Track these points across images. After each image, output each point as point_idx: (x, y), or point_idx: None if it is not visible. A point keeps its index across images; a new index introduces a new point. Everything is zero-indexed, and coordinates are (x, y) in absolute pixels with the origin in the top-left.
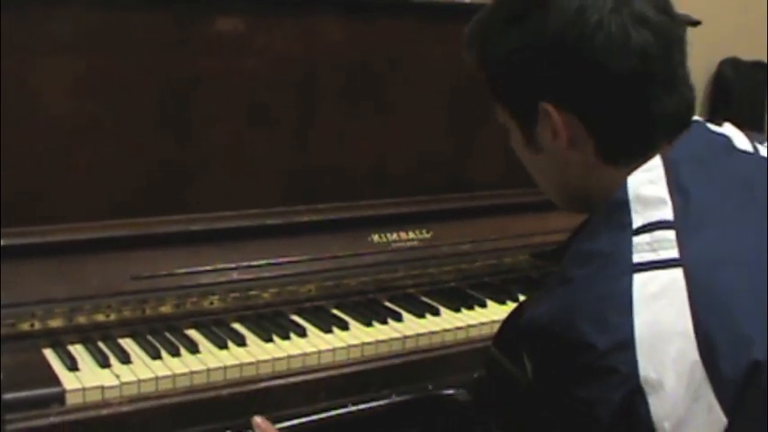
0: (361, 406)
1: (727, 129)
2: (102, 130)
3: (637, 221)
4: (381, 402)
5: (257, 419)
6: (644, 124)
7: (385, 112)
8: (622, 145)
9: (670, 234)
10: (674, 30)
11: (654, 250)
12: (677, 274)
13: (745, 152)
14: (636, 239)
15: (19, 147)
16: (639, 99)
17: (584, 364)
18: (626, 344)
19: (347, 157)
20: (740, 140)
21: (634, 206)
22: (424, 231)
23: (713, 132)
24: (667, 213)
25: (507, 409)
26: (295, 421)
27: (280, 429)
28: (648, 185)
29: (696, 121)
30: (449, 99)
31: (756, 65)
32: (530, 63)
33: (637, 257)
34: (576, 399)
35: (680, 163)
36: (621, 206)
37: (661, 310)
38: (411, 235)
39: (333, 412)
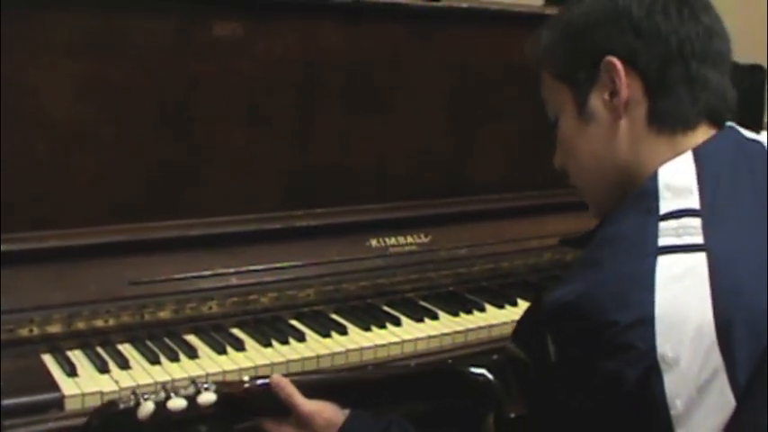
0: (381, 370)
1: (764, 137)
2: (101, 136)
3: (664, 208)
4: (401, 370)
5: (275, 377)
6: (695, 91)
7: (383, 116)
8: (672, 109)
9: (696, 222)
10: (725, 31)
11: (679, 236)
12: (701, 258)
13: None
14: (662, 224)
15: (17, 152)
16: (697, 67)
17: (605, 341)
18: (645, 320)
19: (346, 161)
20: None
21: (663, 193)
22: (422, 236)
23: (746, 137)
24: (694, 202)
25: (525, 394)
26: (313, 376)
27: (294, 382)
28: (678, 176)
29: (731, 125)
30: (447, 103)
31: (755, 68)
32: (603, 17)
33: (662, 241)
34: (596, 375)
35: (710, 158)
36: (650, 193)
37: (682, 292)
38: (409, 239)
39: (353, 373)
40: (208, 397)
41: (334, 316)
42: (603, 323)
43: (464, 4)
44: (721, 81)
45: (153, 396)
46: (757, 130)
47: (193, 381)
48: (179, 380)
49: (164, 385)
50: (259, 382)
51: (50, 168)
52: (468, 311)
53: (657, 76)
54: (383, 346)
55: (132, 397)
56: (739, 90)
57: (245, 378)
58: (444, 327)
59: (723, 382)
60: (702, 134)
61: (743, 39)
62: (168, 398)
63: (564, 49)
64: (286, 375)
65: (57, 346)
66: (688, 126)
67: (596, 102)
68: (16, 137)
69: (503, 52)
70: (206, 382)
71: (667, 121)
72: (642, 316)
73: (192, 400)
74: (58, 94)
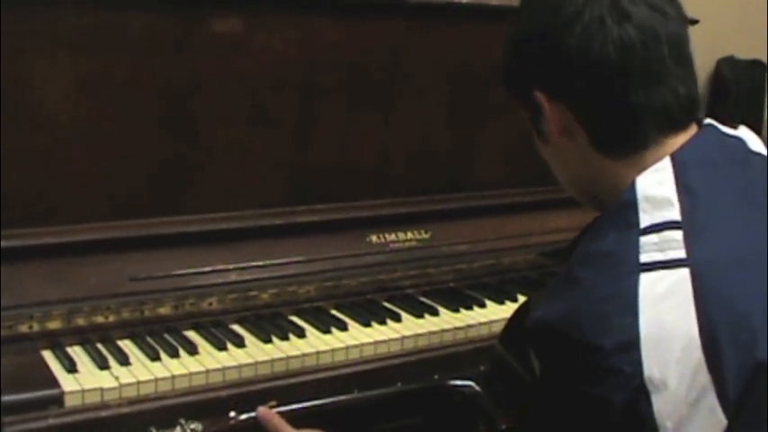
0: (367, 393)
1: (742, 131)
2: (101, 132)
3: (644, 221)
4: (388, 390)
5: (261, 410)
6: (627, 115)
7: (383, 113)
8: (611, 135)
9: (677, 234)
10: (663, 25)
11: (661, 250)
12: (684, 274)
13: (758, 154)
14: (643, 239)
15: (18, 148)
16: (618, 89)
17: (590, 364)
18: (631, 344)
19: (346, 157)
20: (755, 143)
21: (642, 206)
22: (422, 231)
23: (726, 135)
24: (675, 214)
25: (514, 404)
26: (301, 405)
27: (282, 413)
28: (657, 186)
29: (708, 124)
30: (447, 100)
31: (754, 63)
32: (521, 55)
33: (644, 257)
34: (583, 397)
35: (689, 164)
36: (629, 206)
37: (667, 311)
38: (409, 235)
39: (338, 398)
40: None
41: (334, 312)
42: (588, 347)
43: (464, 1)
44: (663, 88)
45: None
46: (758, 124)
47: (179, 422)
48: (171, 402)
49: (150, 430)
50: (244, 416)
51: (50, 165)
52: (469, 307)
53: (582, 105)
54: (383, 342)
55: None
56: (739, 85)
57: (231, 414)
58: (445, 323)
59: (713, 401)
60: (669, 143)
61: (743, 35)
62: None
63: (506, 81)
64: (273, 407)
65: (56, 343)
66: (642, 146)
67: (545, 127)
68: (16, 133)
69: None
70: (192, 422)
71: (613, 146)
72: (627, 339)
73: None
74: (57, 90)
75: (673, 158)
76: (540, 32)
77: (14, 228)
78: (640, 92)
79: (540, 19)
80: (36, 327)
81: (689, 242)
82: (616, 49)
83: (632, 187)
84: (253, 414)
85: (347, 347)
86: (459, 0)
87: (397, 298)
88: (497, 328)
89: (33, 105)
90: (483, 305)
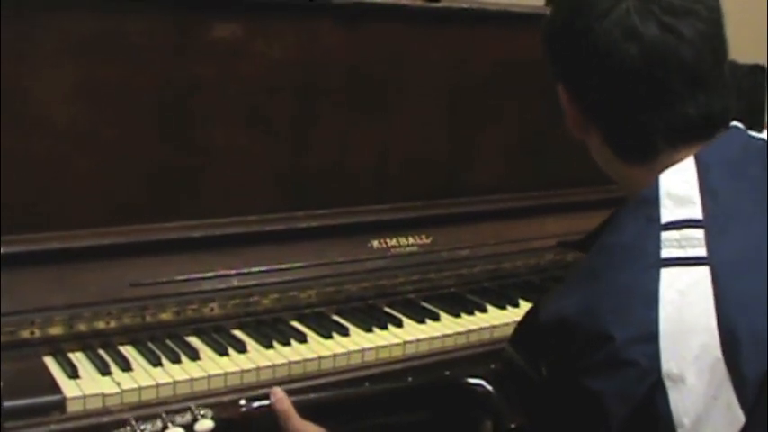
0: (377, 386)
1: (766, 136)
2: (101, 137)
3: (666, 217)
4: (397, 384)
5: (276, 389)
6: (634, 130)
7: (383, 118)
8: (621, 143)
9: (698, 233)
10: (673, 49)
11: (682, 247)
12: (704, 272)
13: None
14: (665, 235)
15: (18, 154)
16: (623, 107)
17: (604, 356)
18: (649, 337)
19: (346, 162)
20: None
21: (664, 202)
22: (423, 237)
23: (752, 138)
24: (696, 213)
25: (523, 404)
26: (311, 395)
27: (294, 401)
28: (680, 184)
29: (735, 126)
30: (447, 104)
31: (755, 68)
32: (547, 48)
33: (665, 252)
34: (592, 391)
35: (712, 165)
36: (651, 201)
37: (687, 306)
38: (410, 240)
39: (348, 389)
40: (205, 424)
41: (335, 317)
42: (603, 337)
43: (463, 5)
44: (669, 110)
45: (149, 426)
46: (758, 131)
47: (189, 408)
48: (175, 407)
49: (160, 414)
50: (255, 404)
51: (51, 170)
52: (470, 312)
53: (593, 112)
54: (385, 347)
55: (129, 428)
56: (739, 91)
57: (242, 402)
58: (446, 328)
59: (730, 397)
60: (682, 153)
61: (743, 39)
62: (165, 427)
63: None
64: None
65: (58, 348)
66: (652, 156)
67: None
68: (17, 138)
69: (502, 52)
70: (202, 408)
71: (624, 152)
72: (646, 332)
73: (189, 428)
74: (58, 95)
75: (696, 159)
76: (559, 34)
77: (15, 233)
78: (645, 112)
79: (561, 20)
80: (37, 332)
81: (709, 241)
82: (620, 69)
83: (655, 184)
84: (265, 402)
85: (349, 353)
86: (457, 5)
87: (399, 303)
88: (499, 333)
89: (34, 111)
90: (484, 310)
